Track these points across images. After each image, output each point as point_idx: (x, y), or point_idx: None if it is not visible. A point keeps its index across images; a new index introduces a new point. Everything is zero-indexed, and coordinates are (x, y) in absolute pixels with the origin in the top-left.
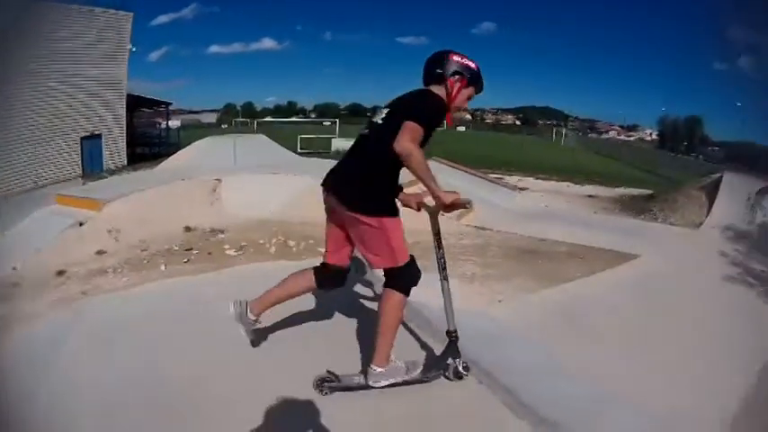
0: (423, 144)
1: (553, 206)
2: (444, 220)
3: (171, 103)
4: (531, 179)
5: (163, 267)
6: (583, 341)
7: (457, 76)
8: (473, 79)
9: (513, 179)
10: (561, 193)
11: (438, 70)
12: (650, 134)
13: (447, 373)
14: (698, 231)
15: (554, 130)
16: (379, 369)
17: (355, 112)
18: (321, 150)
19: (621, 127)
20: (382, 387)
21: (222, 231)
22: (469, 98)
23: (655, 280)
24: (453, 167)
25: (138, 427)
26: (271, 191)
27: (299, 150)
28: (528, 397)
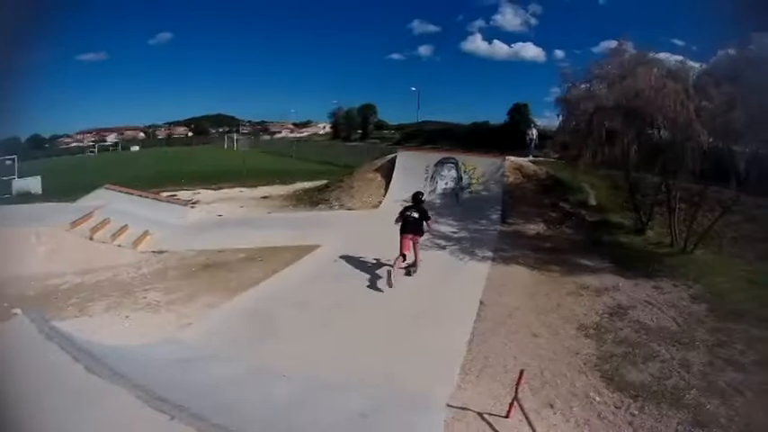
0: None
1: (227, 214)
2: (119, 250)
3: None
4: (204, 190)
5: None
6: (277, 342)
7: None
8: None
9: (187, 193)
10: (235, 199)
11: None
12: (323, 127)
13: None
14: (377, 211)
15: (226, 137)
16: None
17: (35, 144)
18: (4, 194)
19: (294, 125)
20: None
21: None
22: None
23: (338, 265)
24: (124, 193)
25: None
26: None
27: None
28: (226, 417)
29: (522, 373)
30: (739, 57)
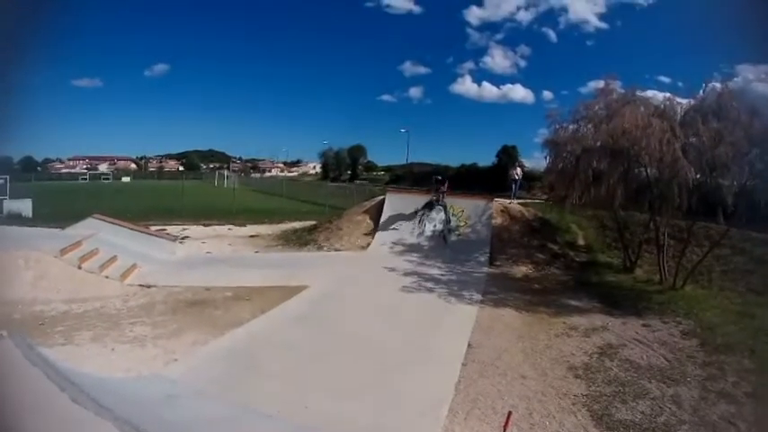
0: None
1: (216, 251)
2: (107, 281)
3: None
4: (194, 226)
5: None
6: (264, 382)
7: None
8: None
9: (176, 228)
10: (223, 236)
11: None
12: (314, 167)
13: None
14: (365, 253)
15: (217, 173)
16: None
17: (27, 166)
18: None
19: (285, 163)
20: None
21: None
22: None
23: (325, 307)
24: (114, 224)
25: None
26: None
27: None
28: None
29: (509, 414)
30: (724, 90)
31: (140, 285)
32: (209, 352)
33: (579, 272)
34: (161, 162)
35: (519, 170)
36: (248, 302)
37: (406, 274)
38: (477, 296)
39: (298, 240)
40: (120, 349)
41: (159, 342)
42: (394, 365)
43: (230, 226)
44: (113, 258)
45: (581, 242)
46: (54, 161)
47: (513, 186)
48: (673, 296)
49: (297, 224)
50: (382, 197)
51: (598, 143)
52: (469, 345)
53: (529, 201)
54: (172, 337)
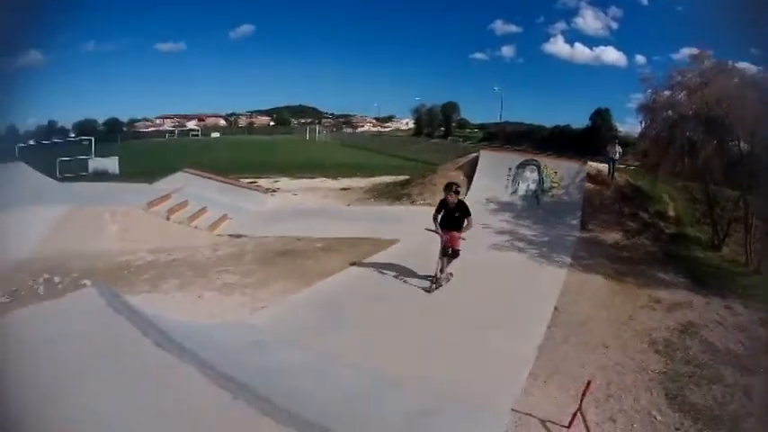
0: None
1: (307, 203)
2: (195, 232)
3: None
4: (285, 179)
5: None
6: (348, 333)
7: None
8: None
9: (267, 181)
10: (315, 189)
11: None
12: (406, 123)
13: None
14: None
15: (308, 128)
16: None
17: (112, 127)
18: (81, 173)
19: (377, 119)
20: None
21: None
22: (450, 198)
23: (415, 260)
24: (203, 177)
25: None
26: (32, 225)
27: (58, 175)
28: (290, 402)
29: (588, 383)
30: None
31: (230, 235)
32: (296, 301)
33: (668, 244)
34: (251, 118)
35: (618, 147)
36: (338, 254)
37: (498, 232)
38: (567, 259)
39: (390, 194)
40: (207, 297)
41: (247, 290)
42: (480, 323)
43: (322, 179)
44: (203, 210)
45: (671, 213)
46: (140, 121)
47: (611, 165)
48: (756, 281)
49: (389, 178)
50: (476, 154)
51: (692, 111)
52: (556, 308)
53: (621, 166)
54: (260, 285)
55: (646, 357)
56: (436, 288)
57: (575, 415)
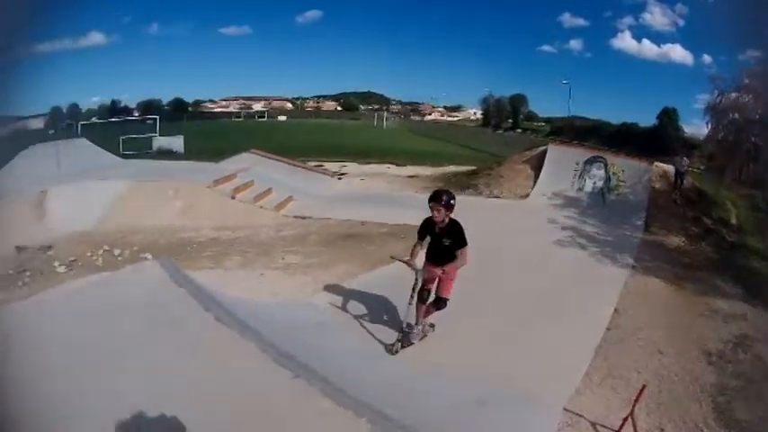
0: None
1: (374, 189)
2: (260, 211)
3: None
4: (352, 164)
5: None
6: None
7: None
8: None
9: (334, 165)
10: (382, 175)
11: None
12: (474, 113)
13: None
14: (524, 202)
15: (376, 114)
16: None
17: (177, 107)
18: (144, 150)
19: (445, 108)
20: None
21: (50, 248)
22: (435, 211)
23: (478, 251)
24: (270, 159)
25: None
26: (93, 199)
27: (122, 152)
28: (349, 384)
29: (642, 389)
30: None
31: (295, 216)
32: (358, 284)
33: (728, 252)
34: (317, 102)
35: (685, 160)
36: (403, 240)
37: (563, 227)
38: (629, 261)
39: (457, 184)
40: (269, 275)
41: (310, 271)
42: (540, 318)
43: (389, 165)
44: (268, 191)
45: (733, 221)
46: (205, 102)
47: (679, 179)
48: None
49: (456, 168)
50: (544, 148)
51: (757, 115)
52: (616, 310)
53: (686, 169)
54: (323, 267)
55: (698, 368)
56: (403, 347)
57: (625, 420)
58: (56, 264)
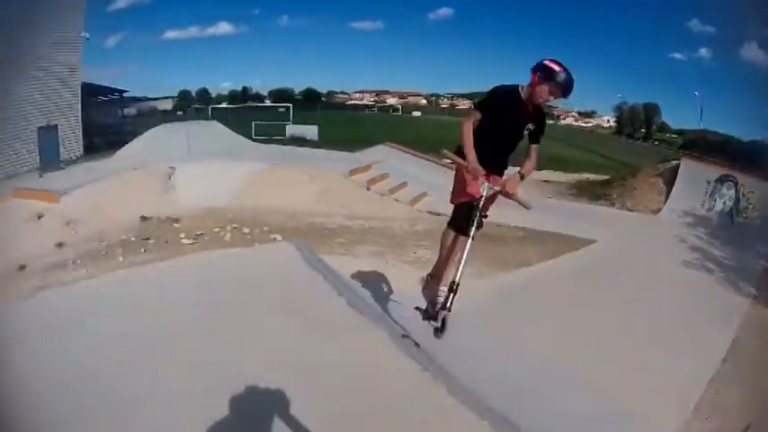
0: (484, 126)
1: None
2: (395, 204)
3: (126, 91)
4: None
5: (121, 258)
6: (528, 325)
7: (537, 73)
8: (545, 78)
9: None
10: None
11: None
12: (607, 120)
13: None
14: (656, 217)
15: None
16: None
17: (310, 97)
18: (276, 137)
19: (579, 113)
20: None
21: (177, 220)
22: (550, 93)
23: (612, 265)
24: (406, 153)
25: (95, 415)
26: (224, 178)
27: (253, 137)
28: (474, 384)
29: (747, 427)
30: None
31: (429, 212)
32: (487, 286)
33: None
34: (452, 100)
35: None
36: (536, 246)
37: (691, 248)
38: (752, 290)
39: (591, 192)
40: (400, 267)
41: None
42: (658, 340)
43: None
44: (403, 184)
45: None
46: (338, 93)
47: None
48: None
49: (590, 176)
50: (677, 162)
51: None
52: (734, 341)
53: None
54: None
55: None
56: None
57: None
58: (182, 235)
